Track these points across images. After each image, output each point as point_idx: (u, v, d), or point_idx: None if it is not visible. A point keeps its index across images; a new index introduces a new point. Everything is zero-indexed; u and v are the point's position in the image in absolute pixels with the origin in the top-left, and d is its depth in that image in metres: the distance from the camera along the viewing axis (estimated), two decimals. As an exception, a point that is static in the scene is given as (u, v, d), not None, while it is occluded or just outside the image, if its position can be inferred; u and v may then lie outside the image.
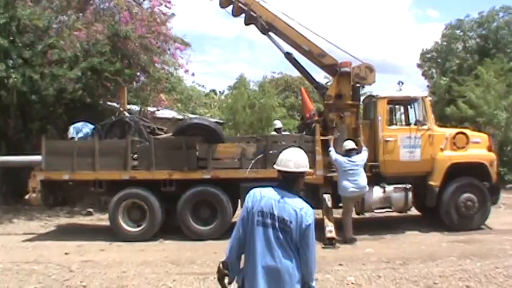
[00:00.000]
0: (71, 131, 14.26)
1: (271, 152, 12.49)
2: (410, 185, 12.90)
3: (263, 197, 4.47)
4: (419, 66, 40.54)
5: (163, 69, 21.12)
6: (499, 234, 12.65)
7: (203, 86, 47.29)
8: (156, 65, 19.77)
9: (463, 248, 11.28)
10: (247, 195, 4.58)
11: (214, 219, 12.86)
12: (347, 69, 13.64)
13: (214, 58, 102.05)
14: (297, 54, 14.42)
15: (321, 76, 20.04)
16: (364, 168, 12.21)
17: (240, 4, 14.28)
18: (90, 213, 17.19)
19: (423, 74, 40.18)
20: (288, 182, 4.51)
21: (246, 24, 14.51)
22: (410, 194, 12.89)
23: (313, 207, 4.46)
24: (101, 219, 16.12)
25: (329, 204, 12.67)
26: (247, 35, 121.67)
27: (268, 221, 4.39)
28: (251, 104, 36.31)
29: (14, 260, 10.81)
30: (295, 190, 4.49)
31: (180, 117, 24.42)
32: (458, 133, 13.50)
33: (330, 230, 11.95)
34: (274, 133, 16.41)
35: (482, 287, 8.40)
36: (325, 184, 12.95)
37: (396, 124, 14.06)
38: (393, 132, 13.26)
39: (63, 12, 18.95)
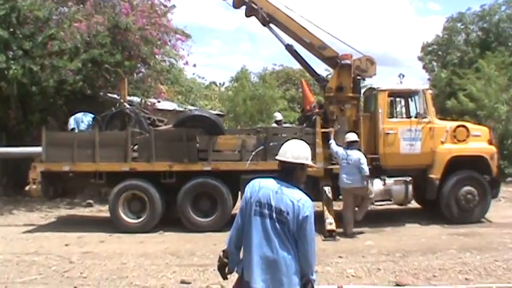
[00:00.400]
0: (71, 122, 14.29)
1: (271, 144, 12.47)
2: (410, 178, 12.88)
3: (261, 187, 4.46)
4: (420, 59, 40.43)
5: (164, 61, 21.10)
6: (499, 227, 12.66)
7: (203, 78, 47.30)
8: (156, 56, 19.74)
9: (463, 241, 11.29)
10: (247, 186, 4.59)
11: (215, 211, 12.86)
12: (348, 61, 13.63)
13: (215, 50, 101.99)
14: (297, 47, 14.41)
15: (321, 68, 19.98)
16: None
17: (241, -4, 14.29)
18: (90, 205, 17.21)
19: (424, 67, 40.09)
20: (286, 173, 4.50)
21: (247, 16, 14.48)
22: (410, 187, 12.87)
23: (312, 200, 4.45)
24: (101, 211, 16.14)
25: (329, 196, 12.67)
26: (248, 27, 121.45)
27: (266, 211, 4.38)
28: (252, 96, 36.27)
29: (15, 252, 10.83)
30: (294, 182, 4.47)
31: (181, 109, 24.42)
32: (458, 126, 13.49)
33: (330, 222, 11.95)
34: (274, 125, 16.39)
35: (481, 279, 8.40)
36: (325, 176, 12.94)
37: (397, 117, 14.03)
38: (394, 124, 13.25)
39: (63, 4, 18.92)
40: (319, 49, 13.99)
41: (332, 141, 12.56)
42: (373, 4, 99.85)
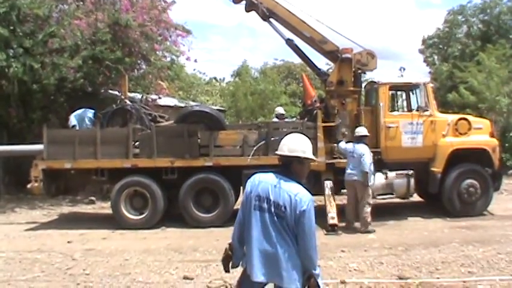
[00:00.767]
0: (72, 119, 14.29)
1: (272, 138, 12.46)
2: (412, 171, 12.87)
3: (261, 181, 4.49)
4: (421, 52, 40.44)
5: (165, 57, 21.09)
6: (501, 220, 12.67)
7: (204, 74, 47.26)
8: (157, 53, 19.73)
9: (465, 234, 11.29)
10: (248, 181, 4.62)
11: (217, 207, 12.87)
12: (348, 55, 13.65)
13: (216, 46, 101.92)
14: (298, 41, 14.40)
15: (322, 63, 19.92)
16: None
17: (240, -9, 14.28)
18: (92, 202, 17.23)
19: (425, 60, 40.09)
20: (285, 167, 4.51)
21: (247, 11, 14.47)
22: (412, 180, 12.86)
23: (312, 194, 4.44)
24: (103, 208, 16.17)
25: (331, 190, 12.66)
26: (248, 22, 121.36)
27: (265, 205, 4.41)
28: (253, 91, 36.23)
29: (17, 249, 10.84)
30: (294, 176, 4.47)
31: (182, 104, 24.42)
32: (460, 119, 13.48)
33: (332, 216, 11.95)
34: (275, 120, 16.37)
35: (484, 272, 8.39)
36: (327, 171, 12.95)
37: (398, 110, 14.04)
38: (395, 118, 13.24)
39: (63, 1, 18.94)
40: (319, 43, 13.98)
41: (341, 142, 12.51)
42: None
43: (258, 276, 4.41)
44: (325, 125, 13.07)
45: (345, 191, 12.83)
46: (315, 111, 13.39)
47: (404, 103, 14.35)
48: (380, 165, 12.90)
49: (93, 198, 17.33)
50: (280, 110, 17.24)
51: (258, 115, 33.96)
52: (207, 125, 13.11)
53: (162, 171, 12.89)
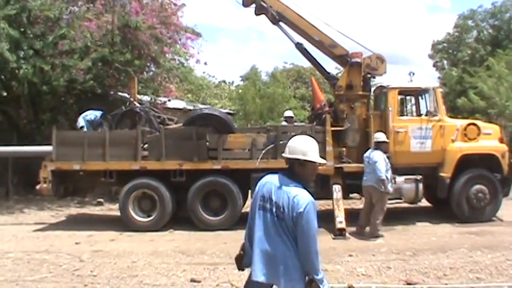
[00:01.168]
0: (80, 121, 14.33)
1: (281, 142, 12.43)
2: (421, 176, 12.81)
3: (267, 182, 4.55)
4: (430, 57, 40.38)
5: (174, 60, 21.14)
6: (510, 226, 12.61)
7: (214, 77, 47.33)
8: (166, 55, 19.78)
9: (474, 239, 11.24)
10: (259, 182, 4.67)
11: (225, 210, 12.85)
12: (358, 59, 13.64)
13: (225, 49, 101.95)
14: (307, 45, 14.40)
15: (331, 67, 19.99)
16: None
17: (250, -6, 14.29)
18: (100, 204, 17.27)
19: (434, 65, 40.02)
20: (289, 169, 4.53)
21: (257, 14, 14.48)
22: (420, 185, 12.80)
23: (317, 198, 4.44)
24: (111, 210, 16.20)
25: (339, 194, 12.63)
26: (258, 25, 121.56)
27: (268, 205, 4.46)
28: (261, 94, 36.26)
29: (25, 250, 10.87)
30: (297, 178, 4.47)
31: (191, 107, 24.45)
32: (469, 124, 13.44)
33: (340, 220, 11.93)
34: (284, 123, 16.37)
35: (492, 279, 8.35)
36: (335, 175, 12.92)
37: (407, 115, 13.98)
38: (404, 123, 13.19)
39: (73, 3, 19.02)
40: (329, 47, 13.98)
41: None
42: (383, 2, 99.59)
43: (259, 276, 4.44)
44: (334, 129, 13.06)
45: (353, 195, 12.82)
46: (324, 115, 13.39)
47: (414, 108, 14.29)
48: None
49: (101, 199, 17.37)
50: (289, 113, 17.24)
51: (267, 118, 33.97)
52: (215, 128, 13.12)
53: (171, 173, 12.89)
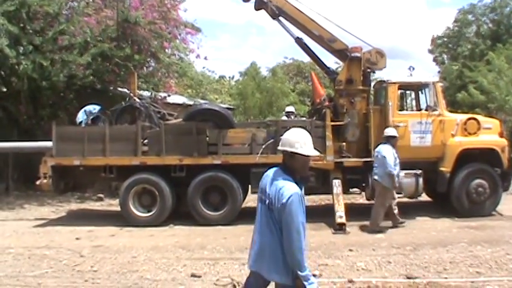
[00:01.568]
0: (79, 115, 14.32)
1: (281, 137, 12.40)
2: (421, 171, 12.81)
3: (266, 175, 4.64)
4: (430, 51, 40.34)
5: (174, 55, 21.12)
6: (510, 220, 12.60)
7: (213, 72, 47.32)
8: (166, 50, 19.75)
9: (474, 234, 11.25)
10: None
11: (225, 205, 12.86)
12: (357, 54, 13.61)
13: (225, 44, 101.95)
14: (307, 40, 14.37)
15: (331, 61, 19.96)
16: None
17: (250, -11, 14.28)
18: (100, 199, 17.30)
19: (434, 60, 39.97)
20: (282, 161, 4.60)
21: (256, 9, 14.44)
22: (420, 180, 12.80)
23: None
24: (111, 205, 16.23)
25: (339, 189, 12.63)
26: (257, 20, 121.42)
27: (263, 197, 4.54)
28: (261, 89, 36.27)
29: (26, 245, 10.89)
30: (288, 170, 4.49)
31: (191, 102, 24.45)
32: (469, 119, 13.43)
33: (340, 215, 11.92)
34: (284, 118, 16.36)
35: (492, 273, 8.36)
36: (335, 169, 12.92)
37: (407, 110, 13.98)
38: (404, 117, 13.18)
39: (72, -2, 18.99)
40: (328, 42, 13.95)
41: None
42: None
43: (251, 265, 4.59)
44: (334, 123, 13.05)
45: (353, 190, 12.84)
46: (323, 110, 13.38)
47: (414, 102, 14.27)
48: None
49: (101, 195, 17.39)
50: (290, 108, 17.23)
51: (267, 113, 33.99)
52: (215, 123, 13.11)
53: (171, 168, 12.90)
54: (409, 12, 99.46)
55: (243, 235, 10.96)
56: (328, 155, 12.66)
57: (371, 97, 14.59)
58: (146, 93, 19.14)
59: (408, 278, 8.14)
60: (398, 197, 12.92)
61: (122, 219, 13.07)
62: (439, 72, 37.46)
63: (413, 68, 13.71)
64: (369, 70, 13.79)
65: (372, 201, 13.17)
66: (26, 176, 17.65)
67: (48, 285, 8.23)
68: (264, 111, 34.85)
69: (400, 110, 13.42)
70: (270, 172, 4.60)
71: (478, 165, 13.09)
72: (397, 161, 11.69)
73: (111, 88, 19.06)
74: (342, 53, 14.00)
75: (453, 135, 13.11)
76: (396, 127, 12.68)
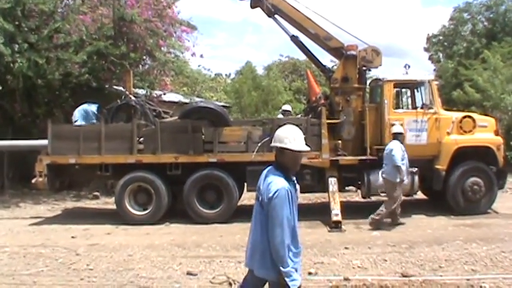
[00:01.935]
0: (76, 114, 14.29)
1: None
2: (416, 169, 12.82)
3: (263, 173, 4.64)
4: (426, 50, 40.25)
5: (170, 53, 21.07)
6: (505, 218, 12.64)
7: (209, 70, 47.23)
8: (162, 48, 19.72)
9: (469, 232, 11.27)
10: None
11: (220, 203, 12.87)
12: (353, 52, 13.63)
13: (221, 42, 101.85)
14: (303, 38, 14.36)
15: (327, 59, 19.88)
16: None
17: (246, -13, 14.27)
18: (96, 197, 17.28)
19: (430, 58, 39.92)
20: (275, 158, 4.62)
21: (252, 7, 14.45)
22: (416, 178, 12.83)
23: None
24: (107, 203, 16.20)
25: (335, 187, 12.65)
26: (253, 18, 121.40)
27: (258, 195, 4.56)
28: (257, 86, 36.27)
29: (21, 244, 10.88)
30: (280, 167, 4.52)
31: (186, 100, 24.42)
32: (465, 117, 13.46)
33: (336, 213, 11.94)
34: (280, 116, 16.36)
35: (488, 271, 8.37)
36: (331, 167, 12.93)
37: (402, 108, 14.00)
38: (399, 115, 13.20)
39: (68, -4, 18.95)
40: (324, 40, 13.96)
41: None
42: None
43: (247, 262, 4.62)
44: (329, 121, 13.06)
45: (349, 188, 12.86)
46: (319, 108, 13.38)
47: (409, 100, 14.32)
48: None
49: (97, 193, 17.37)
50: (287, 107, 17.23)
51: (262, 111, 33.98)
52: (211, 121, 13.09)
53: (166, 167, 12.91)
54: (404, 10, 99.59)
55: (238, 233, 10.97)
56: (323, 153, 12.67)
57: (367, 95, 14.63)
58: (142, 91, 19.10)
59: (404, 276, 8.14)
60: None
61: (117, 217, 13.07)
62: (434, 70, 37.37)
63: (409, 66, 13.73)
64: (364, 68, 13.82)
65: (368, 200, 13.28)
66: (22, 174, 17.62)
67: (43, 283, 8.23)
68: (259, 109, 34.82)
69: (395, 108, 13.45)
70: (265, 170, 4.63)
71: (473, 163, 13.13)
72: (405, 155, 11.73)
73: (107, 86, 19.00)
74: (337, 51, 14.00)
75: (449, 133, 13.13)
76: (392, 125, 12.70)
